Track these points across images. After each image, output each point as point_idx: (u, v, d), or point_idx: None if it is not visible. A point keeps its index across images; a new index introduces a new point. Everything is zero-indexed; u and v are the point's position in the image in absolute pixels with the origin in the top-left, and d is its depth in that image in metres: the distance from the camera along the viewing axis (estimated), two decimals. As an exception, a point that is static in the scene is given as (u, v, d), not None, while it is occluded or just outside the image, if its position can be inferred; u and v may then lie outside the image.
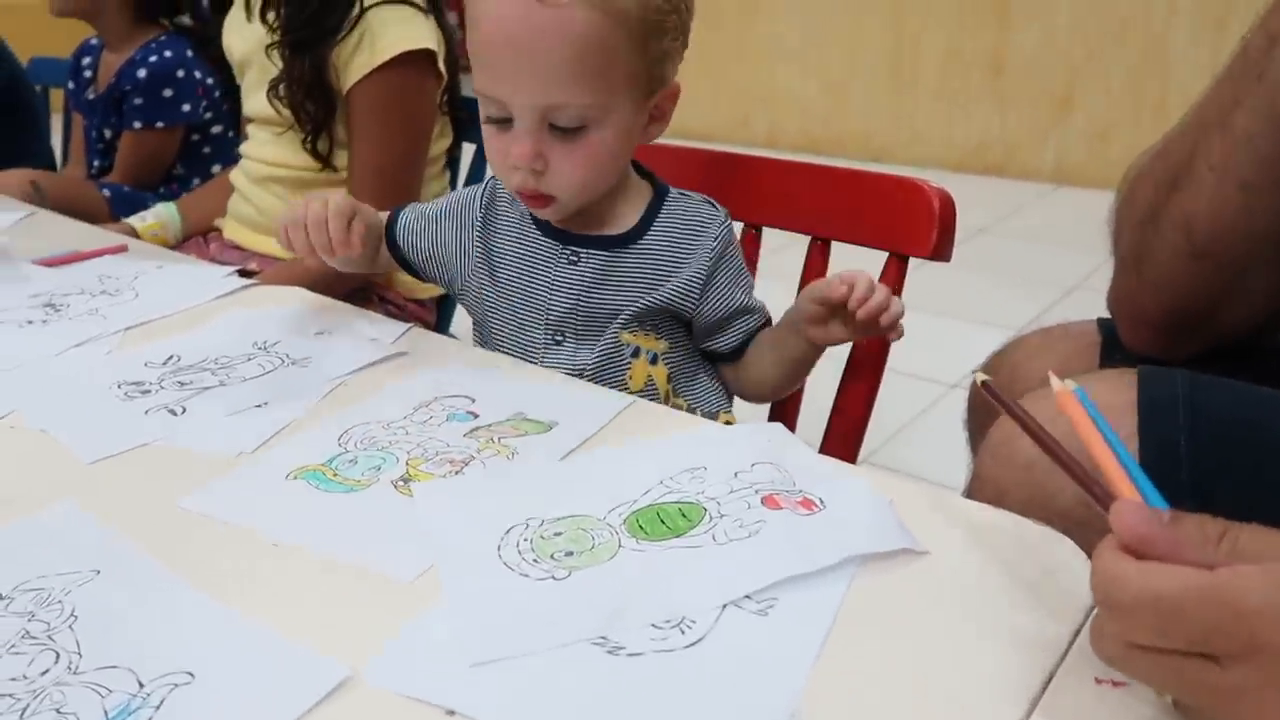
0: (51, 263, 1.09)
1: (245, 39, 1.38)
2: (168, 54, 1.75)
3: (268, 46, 1.32)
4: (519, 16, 0.76)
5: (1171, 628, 0.37)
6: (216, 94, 1.82)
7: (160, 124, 1.77)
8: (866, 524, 0.55)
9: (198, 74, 1.79)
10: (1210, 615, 0.36)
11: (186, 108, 1.78)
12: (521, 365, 0.84)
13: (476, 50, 0.80)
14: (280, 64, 1.31)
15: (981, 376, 0.55)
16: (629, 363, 0.88)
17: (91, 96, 1.83)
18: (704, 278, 0.88)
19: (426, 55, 1.30)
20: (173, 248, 1.51)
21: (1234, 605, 0.36)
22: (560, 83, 0.77)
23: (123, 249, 1.15)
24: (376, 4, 1.28)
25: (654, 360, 0.89)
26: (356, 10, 1.27)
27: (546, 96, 0.78)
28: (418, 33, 1.29)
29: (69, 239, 1.18)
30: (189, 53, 1.79)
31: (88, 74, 1.86)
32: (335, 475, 0.65)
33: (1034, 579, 0.52)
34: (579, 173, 0.82)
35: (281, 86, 1.31)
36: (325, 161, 1.36)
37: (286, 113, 1.32)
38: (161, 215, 1.54)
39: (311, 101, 1.30)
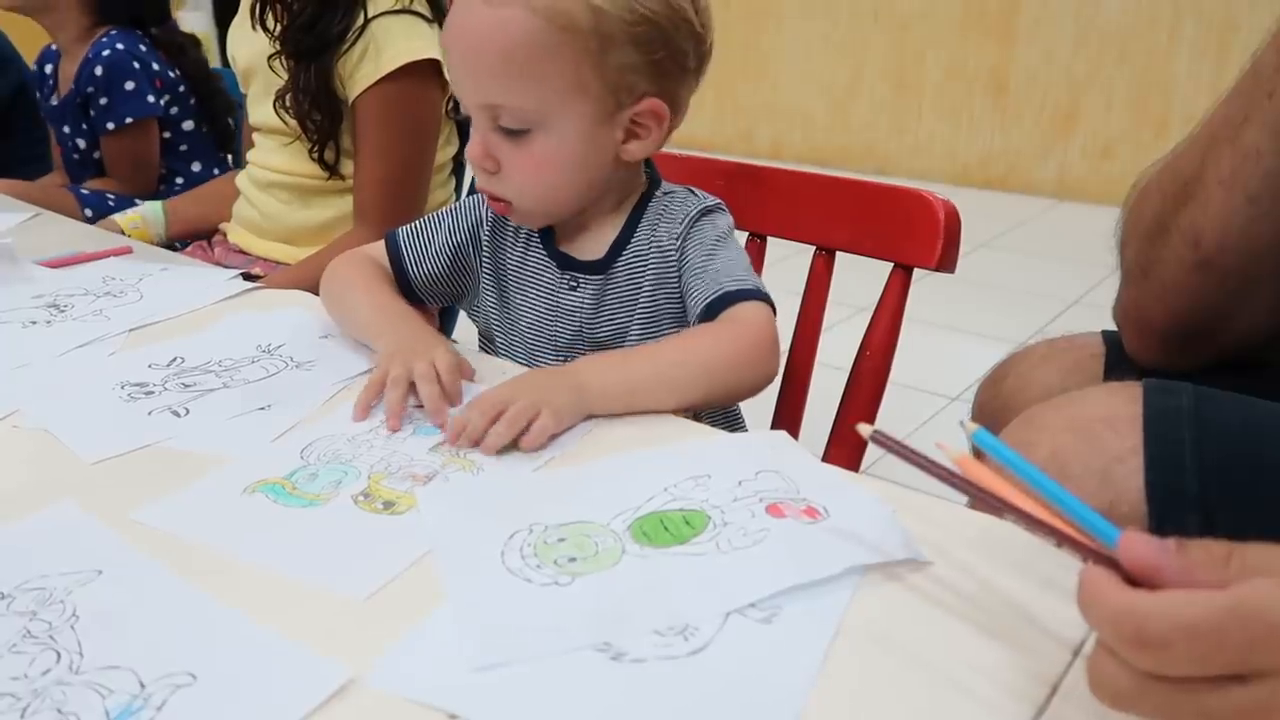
0: (56, 264, 1.09)
1: (250, 48, 1.38)
2: (120, 46, 1.72)
3: (270, 56, 1.32)
4: (465, 17, 0.78)
5: (1211, 653, 0.36)
6: (180, 88, 1.80)
7: (129, 119, 1.73)
8: (871, 534, 0.55)
9: (155, 65, 1.76)
10: (1248, 633, 0.35)
11: (151, 99, 1.74)
12: (502, 369, 0.81)
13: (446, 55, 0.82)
14: (283, 74, 1.32)
15: (868, 429, 0.51)
16: None
17: (55, 103, 1.81)
18: (679, 257, 0.85)
19: (431, 64, 1.30)
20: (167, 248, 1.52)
21: (1268, 619, 0.35)
22: (494, 81, 0.78)
23: (127, 250, 1.15)
24: (381, 14, 1.28)
25: None
26: (361, 20, 1.27)
27: (485, 95, 0.79)
28: (422, 43, 1.29)
29: (73, 240, 1.18)
30: (142, 46, 1.76)
31: (51, 83, 1.84)
32: (294, 490, 0.63)
33: (1037, 590, 0.52)
34: (529, 178, 0.81)
35: (288, 97, 1.31)
36: (333, 171, 1.36)
37: (293, 123, 1.32)
38: (145, 212, 1.53)
39: (318, 112, 1.30)
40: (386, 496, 0.62)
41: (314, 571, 0.55)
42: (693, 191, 0.89)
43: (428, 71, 1.30)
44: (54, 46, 1.83)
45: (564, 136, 0.79)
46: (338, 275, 0.90)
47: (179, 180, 1.81)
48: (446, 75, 1.33)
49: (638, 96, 0.80)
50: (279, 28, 1.31)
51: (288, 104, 1.31)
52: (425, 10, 1.32)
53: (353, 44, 1.27)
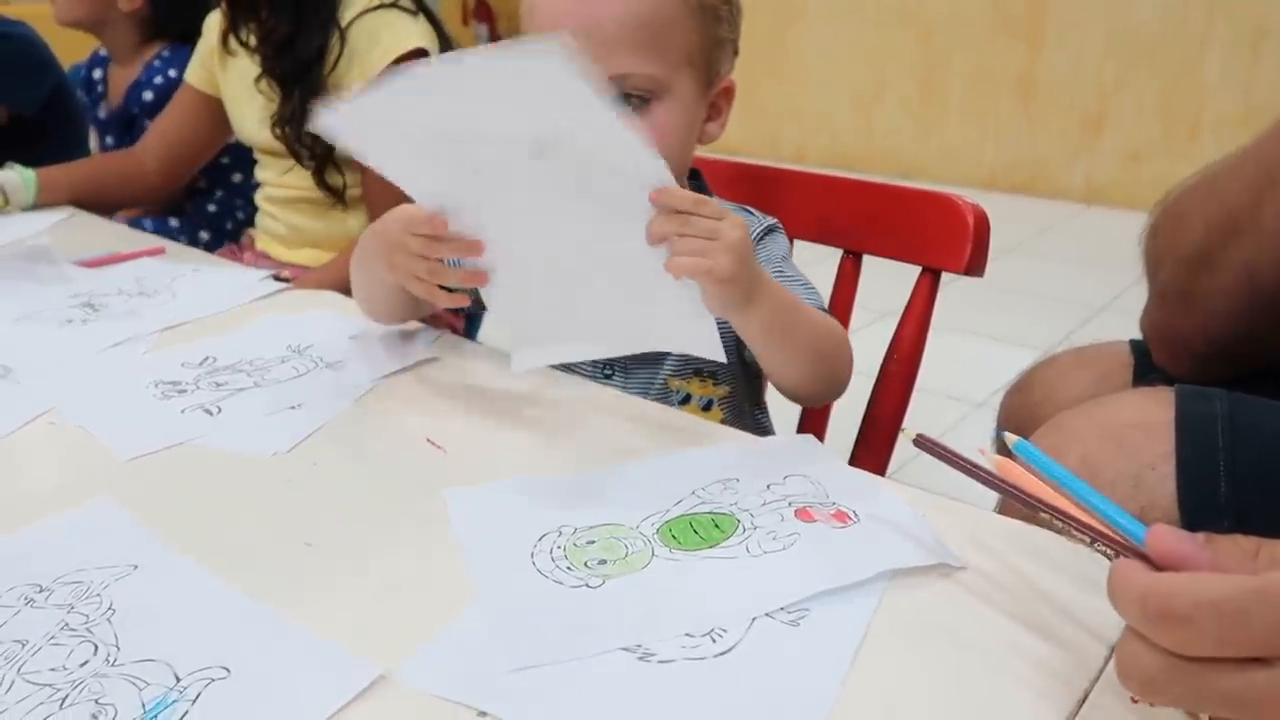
0: (91, 264, 1.11)
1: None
2: (172, 73, 1.73)
3: (256, 78, 1.33)
4: None
5: (1235, 632, 0.36)
6: None
7: None
8: (902, 537, 0.55)
9: None
10: (1273, 615, 0.35)
11: None
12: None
13: (538, 33, 0.79)
14: (273, 95, 1.32)
15: (911, 433, 0.53)
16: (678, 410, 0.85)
17: (104, 115, 1.82)
18: None
19: (420, 54, 1.29)
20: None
21: None
22: (623, 51, 0.77)
23: (160, 251, 1.16)
24: (358, 15, 1.28)
25: (707, 406, 0.87)
26: (337, 31, 1.27)
27: (612, 66, 0.77)
28: (405, 37, 1.29)
29: (108, 240, 1.20)
30: None
31: (100, 89, 1.85)
32: None
33: (1068, 595, 0.52)
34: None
35: (284, 125, 1.32)
36: (339, 197, 1.36)
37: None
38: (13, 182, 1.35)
39: (314, 139, 1.30)
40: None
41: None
42: (749, 210, 0.90)
43: (417, 60, 1.30)
44: (102, 52, 1.85)
45: (679, 106, 0.81)
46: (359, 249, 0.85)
47: (218, 192, 1.82)
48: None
49: (722, 75, 0.84)
50: (253, 40, 1.31)
51: (284, 132, 1.32)
52: (406, 2, 1.32)
53: (337, 56, 1.28)
